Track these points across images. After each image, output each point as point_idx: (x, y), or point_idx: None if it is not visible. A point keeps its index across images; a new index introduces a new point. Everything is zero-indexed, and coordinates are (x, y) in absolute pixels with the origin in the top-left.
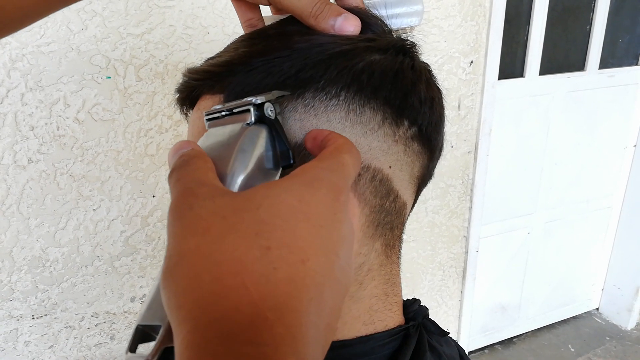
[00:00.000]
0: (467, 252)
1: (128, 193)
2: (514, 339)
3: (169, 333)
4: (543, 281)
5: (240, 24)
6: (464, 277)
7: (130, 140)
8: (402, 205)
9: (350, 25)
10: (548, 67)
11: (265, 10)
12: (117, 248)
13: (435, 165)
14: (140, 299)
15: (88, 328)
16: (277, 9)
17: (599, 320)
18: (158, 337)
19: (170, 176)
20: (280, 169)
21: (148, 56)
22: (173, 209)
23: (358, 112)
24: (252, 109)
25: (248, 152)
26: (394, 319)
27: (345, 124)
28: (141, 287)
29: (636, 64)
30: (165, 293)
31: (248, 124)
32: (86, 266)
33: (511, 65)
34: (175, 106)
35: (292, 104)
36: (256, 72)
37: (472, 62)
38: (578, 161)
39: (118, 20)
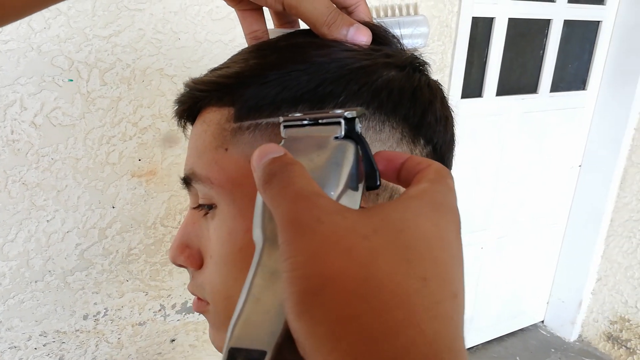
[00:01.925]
0: None
1: (86, 203)
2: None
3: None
4: (494, 294)
5: (213, 34)
6: None
7: (91, 148)
8: None
9: (362, 36)
10: (504, 88)
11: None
12: (71, 262)
13: None
14: (94, 316)
15: (35, 348)
16: (281, 23)
17: (545, 333)
18: None
19: (268, 183)
20: (361, 190)
21: (114, 60)
22: (294, 219)
23: (378, 129)
24: (342, 122)
25: (340, 166)
26: None
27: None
28: (95, 303)
29: (583, 89)
30: (306, 320)
31: (336, 137)
32: (36, 281)
33: (471, 86)
34: (174, 118)
35: None
36: (271, 85)
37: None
38: (529, 179)
39: (84, 20)
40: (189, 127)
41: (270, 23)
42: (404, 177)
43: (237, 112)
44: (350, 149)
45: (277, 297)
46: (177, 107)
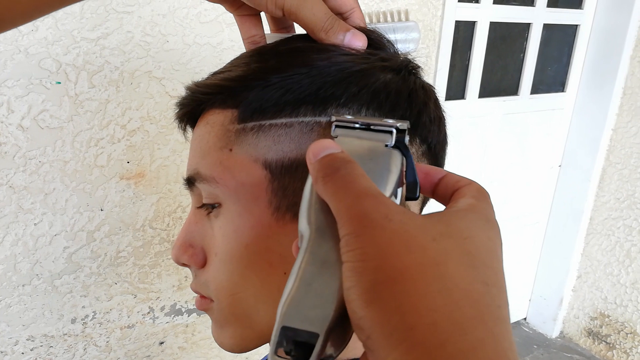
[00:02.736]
0: None
1: (74, 206)
2: None
3: (325, 344)
4: None
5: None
6: None
7: (79, 150)
8: None
9: (358, 41)
10: (486, 91)
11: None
12: (59, 265)
13: None
14: (83, 320)
15: (22, 353)
16: (277, 28)
17: (527, 330)
18: (317, 348)
19: (330, 177)
20: (399, 199)
21: (103, 62)
22: (362, 213)
23: None
24: (394, 132)
25: (391, 173)
26: None
27: None
28: (83, 307)
29: (562, 91)
30: (378, 308)
31: (387, 145)
32: (23, 285)
33: (454, 88)
34: (175, 121)
35: (315, 119)
36: (273, 88)
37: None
38: (511, 179)
39: (72, 23)
40: (189, 131)
41: (267, 28)
42: (441, 191)
43: (241, 114)
44: (399, 159)
45: (328, 285)
46: (178, 110)
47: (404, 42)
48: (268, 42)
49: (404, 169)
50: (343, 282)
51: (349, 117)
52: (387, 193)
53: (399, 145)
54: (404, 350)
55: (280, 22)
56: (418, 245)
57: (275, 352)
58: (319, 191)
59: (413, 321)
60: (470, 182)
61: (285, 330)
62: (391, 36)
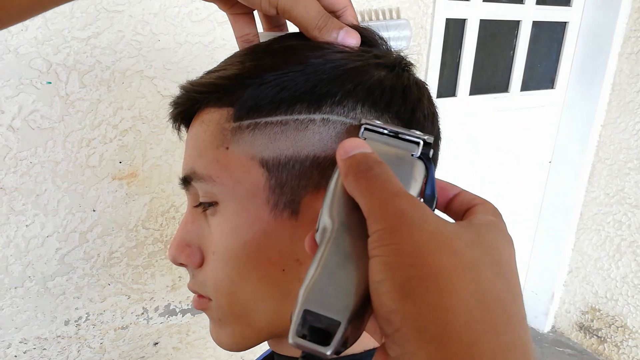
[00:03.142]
0: None
1: (66, 207)
2: None
3: (345, 332)
4: None
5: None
6: None
7: (70, 151)
8: None
9: (351, 38)
10: (477, 88)
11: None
12: (52, 267)
13: None
14: (76, 321)
15: (15, 356)
16: (270, 26)
17: None
18: (338, 335)
19: (362, 174)
20: None
21: (94, 62)
22: (399, 211)
23: None
24: (421, 144)
25: (417, 182)
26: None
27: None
28: (77, 308)
29: (552, 88)
30: (413, 303)
31: (412, 155)
32: (15, 287)
33: (444, 86)
34: (169, 121)
35: (309, 117)
36: (269, 85)
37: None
38: (502, 176)
39: (62, 22)
40: (184, 130)
41: (260, 27)
42: (456, 207)
43: (237, 112)
44: (422, 170)
45: (351, 276)
46: (173, 109)
47: (396, 39)
48: (261, 41)
49: (425, 181)
50: (371, 276)
51: (379, 122)
52: None
53: (423, 158)
54: (436, 345)
55: (273, 20)
56: (453, 249)
57: (296, 333)
58: (349, 187)
59: (448, 319)
60: (486, 201)
61: (307, 314)
62: (384, 34)
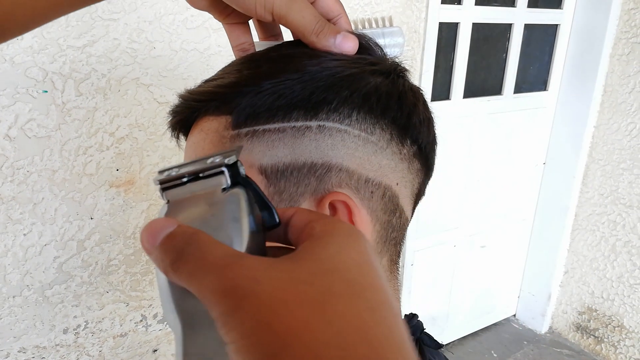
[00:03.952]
0: (403, 266)
1: (63, 215)
2: (443, 350)
3: None
4: (468, 291)
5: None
6: (400, 290)
7: (67, 159)
8: (405, 221)
9: (349, 43)
10: (470, 91)
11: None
12: (50, 275)
13: (427, 183)
14: (75, 330)
15: None
16: (266, 36)
17: (517, 326)
18: None
19: (178, 264)
20: (264, 231)
21: (89, 70)
22: (228, 287)
23: (369, 131)
24: (226, 171)
25: (239, 220)
26: None
27: (358, 142)
28: (75, 317)
29: (545, 90)
30: None
31: (224, 188)
32: (14, 296)
33: (438, 89)
34: (168, 130)
35: (306, 124)
36: (266, 94)
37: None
38: (497, 177)
39: (58, 31)
40: (182, 139)
41: (255, 38)
42: (295, 230)
43: (235, 120)
44: (242, 198)
45: None
46: (171, 118)
47: (389, 47)
48: (257, 50)
49: (253, 202)
50: None
51: (174, 171)
52: (244, 244)
53: (237, 180)
54: None
55: (269, 29)
56: (294, 299)
57: None
58: (174, 279)
59: None
60: (315, 212)
61: None
62: (379, 41)
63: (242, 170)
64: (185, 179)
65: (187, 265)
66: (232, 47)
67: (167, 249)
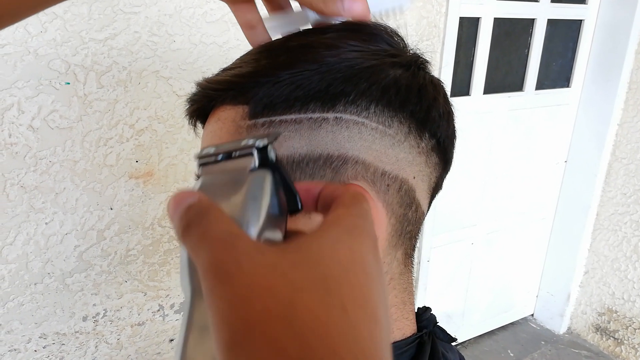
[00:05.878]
0: (419, 262)
1: (84, 205)
2: (457, 346)
3: None
4: (485, 289)
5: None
6: (416, 286)
7: (88, 150)
8: (421, 215)
9: (357, 4)
10: (491, 87)
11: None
12: (70, 264)
13: (445, 177)
14: (94, 317)
15: (35, 350)
16: (272, 7)
17: (534, 326)
18: None
19: (186, 233)
20: (287, 215)
21: (111, 62)
22: (214, 268)
23: (387, 124)
24: (255, 153)
25: (258, 200)
26: (409, 327)
27: (375, 135)
28: (94, 305)
29: (567, 86)
30: None
31: (252, 169)
32: (35, 284)
33: (458, 85)
34: (185, 117)
35: (323, 115)
36: (283, 84)
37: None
38: (517, 175)
39: (80, 24)
40: (199, 127)
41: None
42: (322, 205)
43: (252, 110)
44: (267, 179)
45: (207, 356)
46: (189, 106)
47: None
48: (267, 25)
49: (279, 185)
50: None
51: (211, 149)
52: (259, 223)
53: (266, 163)
54: None
55: (275, 1)
56: (266, 287)
57: None
58: (185, 248)
59: None
60: (345, 188)
61: None
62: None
63: (273, 154)
64: (219, 157)
65: (191, 237)
66: (241, 26)
67: (182, 218)
